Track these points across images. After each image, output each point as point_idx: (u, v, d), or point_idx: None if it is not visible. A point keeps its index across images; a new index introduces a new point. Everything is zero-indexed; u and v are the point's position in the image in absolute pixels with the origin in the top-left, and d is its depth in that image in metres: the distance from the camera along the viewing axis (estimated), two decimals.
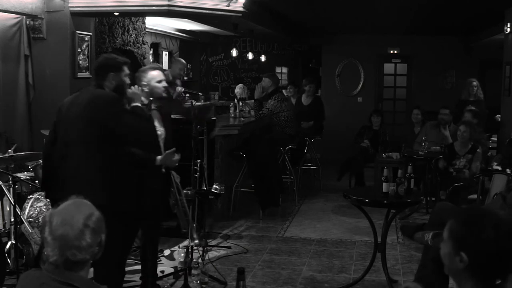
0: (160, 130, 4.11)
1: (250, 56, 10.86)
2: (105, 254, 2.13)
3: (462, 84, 8.88)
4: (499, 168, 6.03)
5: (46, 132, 4.03)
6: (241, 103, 8.44)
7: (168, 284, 4.54)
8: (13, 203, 4.45)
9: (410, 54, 11.52)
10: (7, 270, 4.40)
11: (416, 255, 5.25)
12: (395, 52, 11.64)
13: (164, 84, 4.13)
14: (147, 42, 8.84)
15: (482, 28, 9.74)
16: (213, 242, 5.72)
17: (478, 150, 6.64)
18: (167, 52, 10.40)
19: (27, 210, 4.88)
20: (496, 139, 8.76)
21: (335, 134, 10.32)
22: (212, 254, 5.36)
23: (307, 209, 7.35)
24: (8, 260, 4.52)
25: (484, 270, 1.84)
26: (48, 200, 4.49)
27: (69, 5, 6.25)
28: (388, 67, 11.88)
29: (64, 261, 2.00)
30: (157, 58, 9.82)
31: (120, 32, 7.69)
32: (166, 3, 5.98)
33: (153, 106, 4.20)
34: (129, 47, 7.97)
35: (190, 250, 4.64)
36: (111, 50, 7.38)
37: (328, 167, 9.06)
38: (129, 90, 3.80)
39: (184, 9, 6.15)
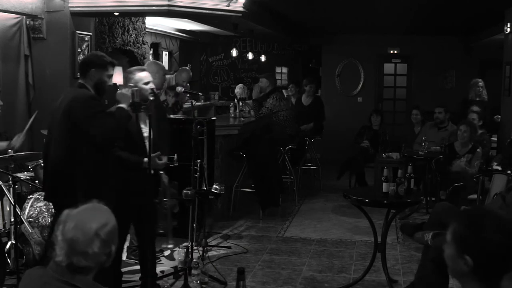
0: (145, 131, 4.11)
1: (250, 56, 10.86)
2: None
3: (468, 84, 8.89)
4: (499, 168, 6.02)
5: (46, 132, 4.04)
6: (241, 103, 8.44)
7: (168, 284, 4.54)
8: (13, 203, 4.45)
9: (410, 54, 11.52)
10: (7, 270, 4.40)
11: (416, 255, 5.25)
12: (395, 52, 11.64)
13: (151, 85, 4.15)
14: (147, 42, 8.84)
15: (482, 28, 9.74)
16: (213, 242, 5.72)
17: (478, 150, 6.63)
18: (167, 52, 10.39)
19: (27, 210, 4.88)
20: (496, 139, 8.76)
21: (335, 134, 10.32)
22: (212, 254, 5.36)
23: (307, 209, 7.35)
24: (8, 260, 4.52)
25: (489, 271, 1.83)
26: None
27: (69, 5, 6.25)
28: (388, 67, 11.88)
29: (68, 264, 2.00)
30: (157, 58, 9.82)
31: (120, 32, 7.69)
32: (166, 3, 5.98)
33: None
34: (129, 47, 7.97)
35: (190, 250, 4.64)
36: (111, 50, 7.38)
37: (328, 167, 9.06)
38: (119, 92, 3.82)
39: (184, 9, 6.15)
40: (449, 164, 6.68)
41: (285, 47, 12.47)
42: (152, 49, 9.65)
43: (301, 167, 8.63)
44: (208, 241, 5.47)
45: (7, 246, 4.56)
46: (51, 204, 4.63)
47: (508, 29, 7.84)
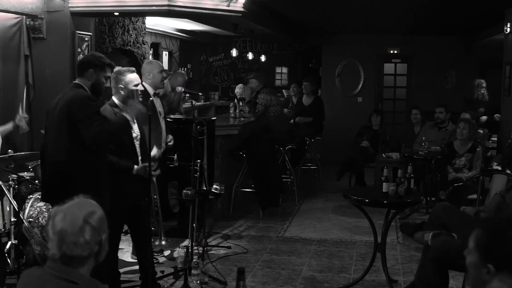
0: (136, 132, 4.13)
1: (250, 56, 10.87)
2: None
3: (469, 84, 8.90)
4: (499, 168, 6.03)
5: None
6: (241, 103, 8.44)
7: (168, 284, 4.54)
8: (13, 203, 4.45)
9: (410, 54, 11.52)
10: (7, 270, 4.41)
11: (416, 255, 5.25)
12: (395, 52, 11.63)
13: (140, 87, 4.16)
14: (147, 42, 8.84)
15: (482, 28, 9.74)
16: (213, 242, 5.72)
17: (478, 149, 6.63)
18: (167, 52, 10.40)
19: (27, 210, 4.88)
20: (496, 139, 8.77)
21: (335, 134, 10.31)
22: (212, 254, 5.36)
23: (307, 209, 7.35)
24: (8, 260, 4.52)
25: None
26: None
27: (69, 5, 6.25)
28: (388, 67, 11.88)
29: (61, 256, 2.01)
30: (157, 58, 9.82)
31: (120, 32, 7.69)
32: (166, 3, 5.98)
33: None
34: (129, 47, 7.97)
35: (190, 250, 4.64)
36: (111, 50, 7.39)
37: (328, 167, 9.06)
38: (132, 102, 3.89)
39: (184, 9, 6.15)
40: (449, 164, 6.68)
41: (285, 47, 12.47)
42: (152, 49, 9.66)
43: (301, 167, 8.63)
44: (208, 241, 5.48)
45: (7, 246, 4.56)
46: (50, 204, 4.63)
47: (508, 29, 7.84)
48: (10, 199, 4.54)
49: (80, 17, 6.43)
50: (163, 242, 5.37)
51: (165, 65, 9.98)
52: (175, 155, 5.37)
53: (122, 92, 4.08)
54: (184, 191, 4.71)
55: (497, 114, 8.54)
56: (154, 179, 4.60)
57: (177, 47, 10.99)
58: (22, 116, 5.03)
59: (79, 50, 6.43)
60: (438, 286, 3.84)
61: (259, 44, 12.47)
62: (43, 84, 6.38)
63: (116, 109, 4.02)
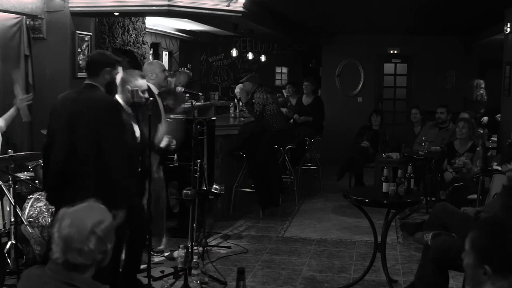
0: (136, 131, 4.15)
1: (250, 56, 10.87)
2: None
3: (468, 84, 8.90)
4: (499, 168, 6.02)
5: (46, 132, 4.04)
6: (241, 103, 8.44)
7: (168, 284, 4.53)
8: (13, 203, 4.45)
9: (410, 54, 11.52)
10: (7, 270, 4.40)
11: (416, 255, 5.25)
12: (395, 52, 11.63)
13: (146, 95, 4.18)
14: (147, 42, 8.84)
15: (482, 28, 9.74)
16: (213, 242, 5.72)
17: (478, 148, 6.63)
18: (167, 52, 10.40)
19: (27, 210, 4.88)
20: (496, 139, 8.76)
21: (335, 134, 10.32)
22: (212, 254, 5.36)
23: (307, 209, 7.35)
24: (8, 260, 4.52)
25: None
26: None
27: (69, 5, 6.25)
28: (388, 67, 11.88)
29: (64, 261, 2.00)
30: (157, 58, 9.82)
31: (120, 32, 7.70)
32: (166, 3, 5.99)
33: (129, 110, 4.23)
34: (129, 47, 7.97)
35: (190, 250, 4.64)
36: (111, 50, 7.38)
37: (328, 167, 9.06)
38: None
39: (184, 9, 6.16)
40: (449, 163, 6.68)
41: (285, 47, 12.47)
42: (152, 49, 9.66)
43: (301, 167, 8.63)
44: (208, 241, 5.48)
45: (7, 246, 4.56)
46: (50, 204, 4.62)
47: (508, 29, 7.84)
48: (10, 199, 4.54)
49: (80, 17, 6.43)
50: (163, 243, 5.35)
51: (165, 65, 9.98)
52: (175, 155, 5.37)
53: (129, 94, 4.10)
54: (184, 191, 4.71)
55: (499, 115, 8.54)
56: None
57: (177, 47, 10.99)
58: (22, 98, 4.95)
59: (79, 50, 6.43)
60: (438, 286, 3.84)
61: (259, 44, 12.47)
62: (43, 84, 6.37)
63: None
